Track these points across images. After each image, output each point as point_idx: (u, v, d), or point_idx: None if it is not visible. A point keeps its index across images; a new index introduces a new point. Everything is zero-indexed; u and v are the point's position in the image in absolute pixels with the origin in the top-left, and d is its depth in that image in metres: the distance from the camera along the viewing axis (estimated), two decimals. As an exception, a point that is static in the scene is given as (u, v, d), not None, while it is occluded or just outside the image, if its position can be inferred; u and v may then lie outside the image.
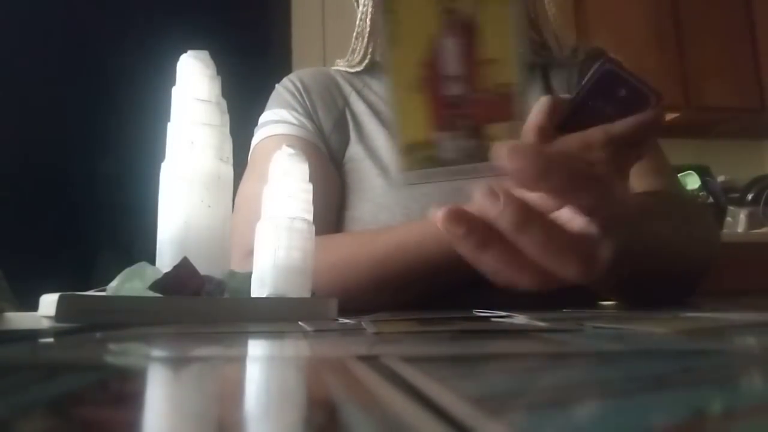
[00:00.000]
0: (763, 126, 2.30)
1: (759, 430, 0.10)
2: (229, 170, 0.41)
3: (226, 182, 0.41)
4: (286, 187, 0.41)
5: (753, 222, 1.96)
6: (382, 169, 0.65)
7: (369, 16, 0.67)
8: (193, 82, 0.40)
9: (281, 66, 1.86)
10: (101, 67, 1.82)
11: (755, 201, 2.02)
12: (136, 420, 0.12)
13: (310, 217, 0.41)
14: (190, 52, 0.40)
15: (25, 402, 0.12)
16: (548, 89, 0.71)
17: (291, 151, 0.42)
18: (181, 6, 1.89)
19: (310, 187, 0.42)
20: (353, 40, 0.71)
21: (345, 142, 0.68)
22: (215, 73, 0.41)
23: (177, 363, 0.19)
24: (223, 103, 0.42)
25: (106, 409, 0.12)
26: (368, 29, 0.68)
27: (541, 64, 0.72)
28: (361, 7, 0.68)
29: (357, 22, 0.69)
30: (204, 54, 0.41)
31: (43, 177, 1.81)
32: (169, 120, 0.40)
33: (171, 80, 0.40)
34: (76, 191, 1.84)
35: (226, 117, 0.42)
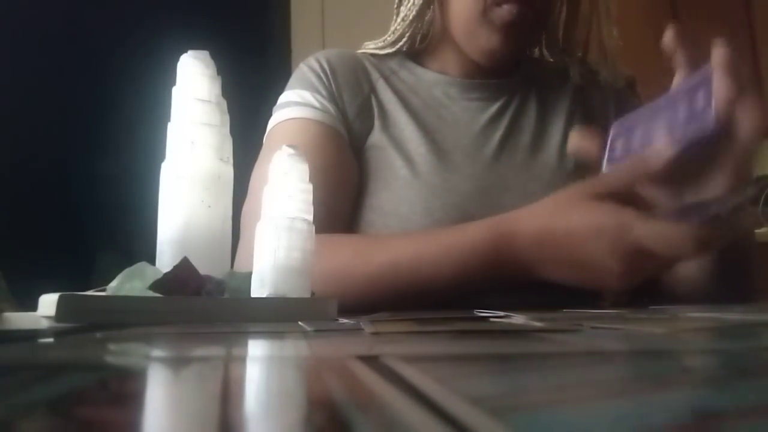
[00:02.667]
0: (762, 126, 2.30)
1: (759, 430, 0.10)
2: (229, 170, 0.41)
3: (226, 182, 0.41)
4: (286, 187, 0.41)
5: (755, 222, 1.96)
6: (407, 159, 0.64)
7: (420, 3, 0.67)
8: (193, 82, 0.40)
9: (281, 66, 1.86)
10: (101, 68, 1.81)
11: (755, 201, 2.02)
12: (136, 420, 0.12)
13: (310, 217, 0.41)
14: (190, 52, 0.40)
15: (25, 402, 0.12)
16: (582, 104, 0.71)
17: (291, 150, 0.42)
18: (181, 6, 1.89)
19: (311, 187, 0.42)
20: (396, 22, 0.70)
21: (368, 128, 0.67)
22: (215, 73, 0.41)
23: (177, 363, 0.19)
24: (223, 103, 0.42)
25: (106, 409, 0.12)
26: (415, 13, 0.68)
27: (579, 84, 0.72)
28: None
29: (402, 8, 0.69)
30: (204, 54, 0.41)
31: (43, 177, 1.81)
32: (169, 120, 0.40)
33: (171, 80, 0.40)
34: (76, 191, 1.84)
35: (226, 117, 0.42)
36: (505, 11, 0.60)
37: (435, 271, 0.51)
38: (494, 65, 0.66)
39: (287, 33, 1.98)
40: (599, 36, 0.69)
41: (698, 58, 0.46)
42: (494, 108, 0.69)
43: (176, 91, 0.40)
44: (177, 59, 0.40)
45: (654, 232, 0.43)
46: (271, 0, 2.05)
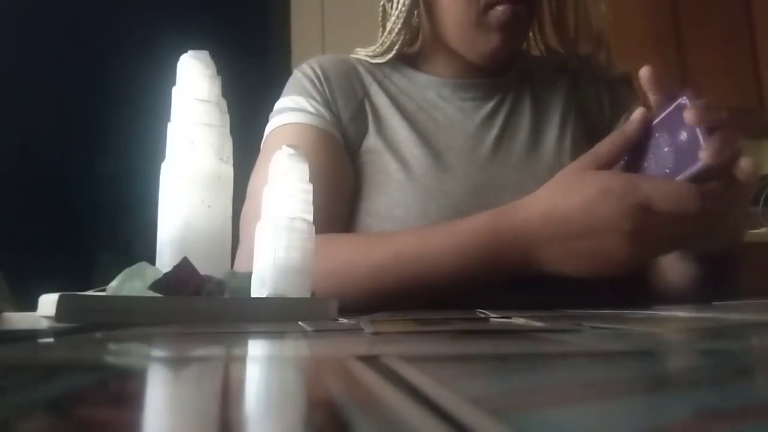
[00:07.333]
0: (763, 126, 2.30)
1: (759, 430, 0.10)
2: (229, 170, 0.41)
3: (226, 182, 0.41)
4: (285, 187, 0.41)
5: (753, 222, 1.96)
6: (401, 163, 0.64)
7: (404, 16, 0.66)
8: (193, 82, 0.40)
9: (281, 66, 1.86)
10: (101, 68, 1.81)
11: (755, 201, 2.02)
12: (136, 420, 0.12)
13: (310, 217, 0.41)
14: (190, 52, 0.40)
15: (25, 402, 0.12)
16: (577, 99, 0.71)
17: (291, 151, 0.42)
18: (181, 6, 1.89)
19: (310, 187, 0.42)
20: (384, 34, 0.69)
21: (363, 132, 0.67)
22: (215, 73, 0.41)
23: (177, 363, 0.19)
24: (223, 103, 0.42)
25: (106, 409, 0.12)
26: (399, 26, 0.67)
27: (572, 72, 0.72)
28: (399, 6, 0.66)
29: (392, 20, 0.68)
30: (204, 54, 0.41)
31: (43, 177, 1.81)
32: (169, 120, 0.40)
33: (171, 80, 0.40)
34: (76, 191, 1.84)
35: (226, 117, 0.42)
36: (499, 13, 0.60)
37: (436, 260, 0.52)
38: (496, 65, 0.66)
39: (287, 33, 1.98)
40: (587, 16, 0.69)
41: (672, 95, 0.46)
42: (488, 107, 0.68)
43: (176, 91, 0.40)
44: (177, 59, 0.40)
45: (661, 188, 0.42)
46: (271, 0, 2.05)
